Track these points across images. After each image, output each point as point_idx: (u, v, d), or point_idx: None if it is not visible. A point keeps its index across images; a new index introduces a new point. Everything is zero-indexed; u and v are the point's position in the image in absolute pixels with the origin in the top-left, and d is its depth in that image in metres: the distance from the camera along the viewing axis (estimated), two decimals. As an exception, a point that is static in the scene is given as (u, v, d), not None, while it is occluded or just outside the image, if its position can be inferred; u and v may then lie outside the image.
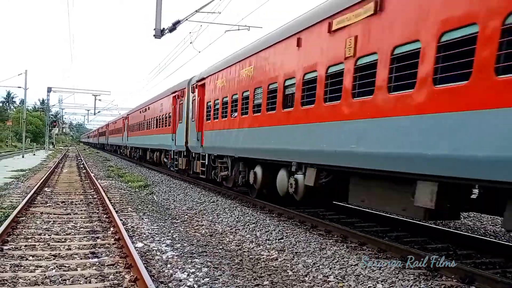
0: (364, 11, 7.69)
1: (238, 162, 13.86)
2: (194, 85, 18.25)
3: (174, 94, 22.01)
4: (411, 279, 6.37)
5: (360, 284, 6.24)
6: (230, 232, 9.74)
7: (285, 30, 10.84)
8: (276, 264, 7.29)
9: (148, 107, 30.42)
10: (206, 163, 16.65)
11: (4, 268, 6.33)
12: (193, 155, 18.72)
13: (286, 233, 9.43)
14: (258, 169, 12.60)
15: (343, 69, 8.23)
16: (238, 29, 19.95)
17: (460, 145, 5.89)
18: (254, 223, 10.47)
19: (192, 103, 18.64)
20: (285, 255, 7.79)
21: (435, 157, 6.30)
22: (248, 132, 12.68)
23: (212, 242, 8.68)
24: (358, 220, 11.28)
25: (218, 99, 15.34)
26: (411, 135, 6.69)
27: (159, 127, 26.07)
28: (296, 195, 10.50)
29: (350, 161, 8.19)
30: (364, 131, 7.68)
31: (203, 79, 17.20)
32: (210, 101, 16.22)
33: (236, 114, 13.57)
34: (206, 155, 16.64)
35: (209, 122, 16.18)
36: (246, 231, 9.73)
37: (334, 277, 6.55)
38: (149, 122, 29.67)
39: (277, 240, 8.85)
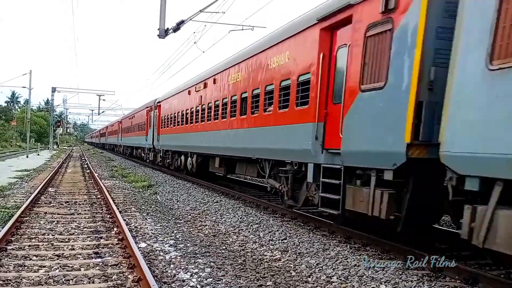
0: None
1: (174, 153, 23.65)
2: (154, 105, 28.37)
3: (147, 108, 31.21)
4: (415, 280, 6.37)
5: (363, 285, 6.23)
6: (233, 232, 9.75)
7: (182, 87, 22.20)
8: (279, 265, 7.29)
9: (133, 116, 39.29)
10: (162, 156, 26.42)
11: (7, 268, 6.35)
12: (156, 151, 28.04)
13: (290, 233, 9.42)
14: (181, 157, 21.99)
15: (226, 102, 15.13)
16: (242, 29, 19.97)
17: (284, 142, 10.48)
18: (257, 223, 10.47)
19: (155, 116, 27.99)
20: (288, 256, 7.79)
21: (270, 149, 11.32)
22: (177, 136, 21.87)
23: (215, 243, 8.68)
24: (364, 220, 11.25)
25: (166, 115, 25.03)
26: (258, 138, 12.07)
27: (139, 130, 34.76)
28: (193, 169, 19.78)
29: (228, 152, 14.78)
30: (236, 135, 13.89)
31: (159, 102, 27.16)
32: (163, 116, 25.80)
33: (173, 125, 22.91)
34: (162, 150, 26.20)
35: (162, 129, 25.64)
36: (249, 232, 9.73)
37: (337, 278, 6.54)
38: (134, 126, 38.32)
39: (280, 241, 8.85)
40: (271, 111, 11.32)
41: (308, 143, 9.17)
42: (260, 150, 12.00)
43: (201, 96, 17.93)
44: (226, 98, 14.78)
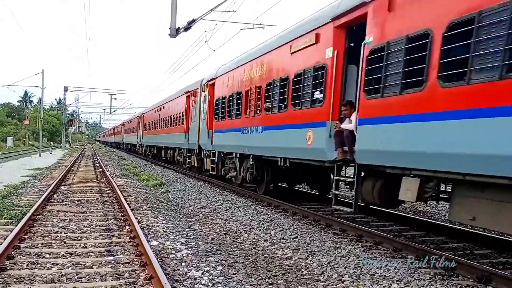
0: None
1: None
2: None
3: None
4: (427, 279, 6.32)
5: (375, 284, 6.20)
6: (244, 230, 9.76)
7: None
8: (290, 263, 7.28)
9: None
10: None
11: (21, 265, 6.41)
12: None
13: (301, 232, 9.41)
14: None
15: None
16: (253, 28, 19.96)
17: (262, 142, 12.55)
18: (268, 221, 10.47)
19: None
20: (300, 254, 7.78)
21: (258, 147, 13.08)
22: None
23: (226, 241, 8.69)
24: (375, 219, 11.23)
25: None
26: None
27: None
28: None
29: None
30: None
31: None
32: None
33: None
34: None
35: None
36: (260, 230, 9.73)
37: (349, 276, 6.52)
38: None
39: (291, 239, 8.84)
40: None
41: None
42: None
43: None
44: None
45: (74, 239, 8.21)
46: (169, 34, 17.80)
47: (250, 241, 8.79)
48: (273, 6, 19.18)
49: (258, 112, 13.04)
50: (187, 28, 17.86)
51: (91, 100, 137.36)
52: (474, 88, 5.88)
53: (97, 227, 9.32)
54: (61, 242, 7.93)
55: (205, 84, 19.17)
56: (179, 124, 25.05)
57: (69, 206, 11.95)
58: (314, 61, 9.92)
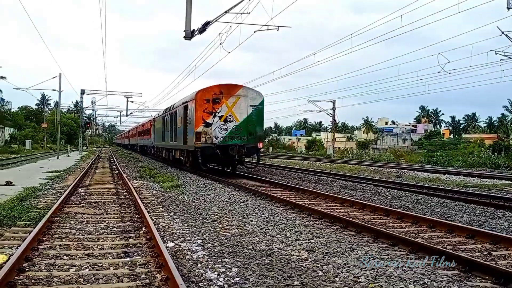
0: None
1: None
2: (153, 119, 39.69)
3: (151, 119, 44.43)
4: (444, 280, 6.26)
5: (392, 285, 6.16)
6: (260, 232, 9.75)
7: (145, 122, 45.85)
8: (306, 265, 7.26)
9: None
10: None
11: (39, 267, 6.48)
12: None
13: (317, 233, 9.38)
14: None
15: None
16: (268, 29, 19.96)
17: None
18: (284, 223, 10.45)
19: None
20: (315, 256, 7.76)
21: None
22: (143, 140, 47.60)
23: (242, 242, 8.70)
24: (390, 220, 11.17)
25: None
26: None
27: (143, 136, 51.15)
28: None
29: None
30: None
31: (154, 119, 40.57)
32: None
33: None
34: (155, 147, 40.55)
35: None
36: (276, 231, 9.72)
37: (365, 278, 6.48)
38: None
39: (307, 241, 8.82)
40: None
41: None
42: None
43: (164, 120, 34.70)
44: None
45: (91, 241, 8.28)
46: (184, 37, 17.90)
47: (266, 243, 8.79)
48: (288, 7, 19.18)
49: (147, 133, 42.50)
50: (202, 30, 17.95)
51: (108, 103, 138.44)
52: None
53: (114, 229, 9.39)
54: (78, 243, 8.01)
55: (154, 118, 40.96)
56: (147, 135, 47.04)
57: (87, 208, 12.06)
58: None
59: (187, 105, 23.84)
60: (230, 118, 22.44)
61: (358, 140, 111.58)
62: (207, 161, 22.80)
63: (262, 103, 23.12)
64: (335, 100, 68.29)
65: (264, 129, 30.16)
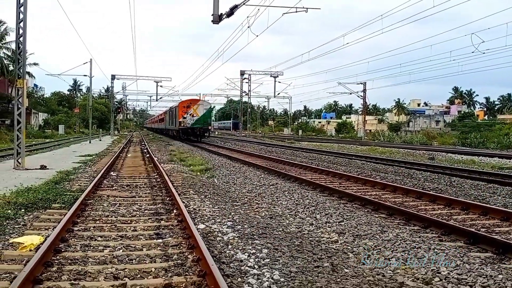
0: None
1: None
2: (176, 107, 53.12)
3: (170, 109, 59.11)
4: (477, 263, 6.20)
5: (423, 267, 6.12)
6: (289, 214, 9.80)
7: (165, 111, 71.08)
8: (336, 247, 7.28)
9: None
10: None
11: (75, 248, 6.67)
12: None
13: (347, 215, 9.37)
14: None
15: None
16: (296, 11, 19.80)
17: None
18: (314, 206, 10.47)
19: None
20: (346, 238, 7.76)
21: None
22: (160, 124, 72.97)
23: (272, 224, 8.76)
24: (422, 202, 11.06)
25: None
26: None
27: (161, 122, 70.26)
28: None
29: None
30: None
31: (165, 112, 66.08)
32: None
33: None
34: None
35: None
36: (305, 214, 9.75)
37: (395, 260, 6.46)
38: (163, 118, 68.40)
39: (337, 223, 8.82)
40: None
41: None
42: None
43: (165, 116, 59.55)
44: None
45: (124, 223, 8.46)
46: (212, 21, 17.91)
47: (296, 225, 8.83)
48: (317, -12, 18.99)
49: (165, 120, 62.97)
50: (230, 14, 17.91)
51: (138, 88, 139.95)
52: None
53: (146, 211, 9.57)
54: (111, 225, 8.19)
55: (165, 112, 65.53)
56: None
57: (119, 191, 12.30)
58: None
59: (175, 108, 50.51)
60: (194, 115, 47.08)
61: (390, 122, 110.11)
62: (184, 135, 48.00)
63: (210, 108, 50.54)
64: (365, 82, 67.57)
65: (211, 120, 60.65)
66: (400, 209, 9.65)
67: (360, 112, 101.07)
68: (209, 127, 50.24)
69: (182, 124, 47.19)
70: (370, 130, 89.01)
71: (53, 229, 7.50)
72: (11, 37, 56.91)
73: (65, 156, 24.77)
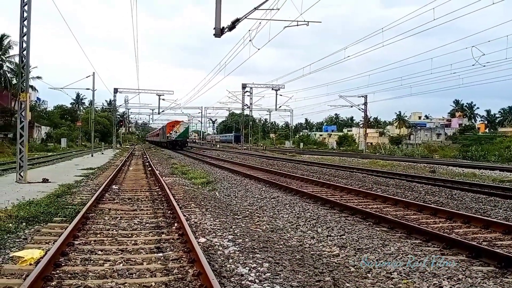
0: None
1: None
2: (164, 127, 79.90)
3: (162, 127, 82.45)
4: (479, 277, 6.14)
5: (425, 281, 6.07)
6: (291, 228, 9.75)
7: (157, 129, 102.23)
8: (338, 261, 7.22)
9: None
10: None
11: (75, 262, 6.63)
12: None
13: (348, 229, 9.32)
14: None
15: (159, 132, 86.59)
16: (297, 25, 19.90)
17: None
18: (315, 219, 10.42)
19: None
20: (347, 252, 7.71)
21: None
22: (155, 138, 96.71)
23: (273, 238, 8.71)
24: (425, 215, 11.01)
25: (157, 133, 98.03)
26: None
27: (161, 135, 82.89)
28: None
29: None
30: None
31: (159, 128, 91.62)
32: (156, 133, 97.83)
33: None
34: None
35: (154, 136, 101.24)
36: (307, 227, 9.70)
37: (397, 274, 6.41)
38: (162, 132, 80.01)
39: (338, 236, 8.77)
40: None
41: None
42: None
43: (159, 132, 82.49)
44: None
45: (125, 236, 8.42)
46: (214, 34, 17.98)
47: (297, 239, 8.78)
48: (317, 2, 19.05)
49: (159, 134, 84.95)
50: (232, 27, 18.00)
51: (140, 101, 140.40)
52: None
53: (147, 225, 9.53)
54: (112, 239, 8.15)
55: (159, 128, 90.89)
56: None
57: (120, 204, 12.26)
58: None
59: (164, 127, 74.30)
60: (177, 131, 69.71)
61: (391, 135, 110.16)
62: (171, 145, 68.44)
63: (187, 126, 78.43)
64: (366, 95, 67.74)
65: (188, 135, 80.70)
66: (401, 223, 9.60)
67: (361, 125, 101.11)
68: (187, 139, 77.90)
69: (169, 138, 70.66)
70: (371, 143, 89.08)
71: (53, 243, 7.46)
72: (14, 51, 57.31)
73: (67, 170, 24.77)
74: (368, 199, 13.93)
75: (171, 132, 70.01)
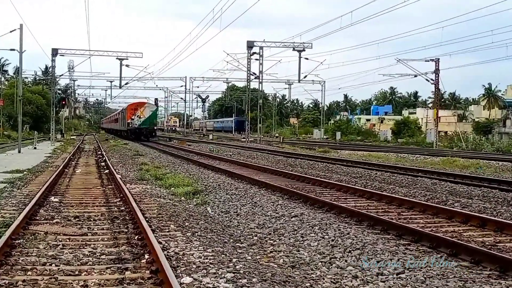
0: None
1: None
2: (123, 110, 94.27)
3: (121, 110, 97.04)
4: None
5: None
6: (322, 262, 9.75)
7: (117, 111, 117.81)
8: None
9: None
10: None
11: (-7, 313, 6.66)
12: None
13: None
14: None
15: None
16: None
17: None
18: (358, 248, 10.42)
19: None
20: (408, 298, 7.71)
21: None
22: (113, 125, 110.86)
23: (294, 277, 8.72)
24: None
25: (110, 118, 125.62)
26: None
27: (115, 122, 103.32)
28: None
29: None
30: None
31: (118, 112, 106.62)
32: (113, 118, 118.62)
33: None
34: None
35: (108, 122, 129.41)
36: (346, 261, 9.70)
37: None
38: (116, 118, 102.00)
39: (395, 275, 8.77)
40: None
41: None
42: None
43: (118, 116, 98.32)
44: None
45: (70, 275, 8.41)
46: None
47: (331, 278, 8.79)
48: None
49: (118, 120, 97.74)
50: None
51: (92, 69, 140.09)
52: None
53: (103, 257, 9.54)
54: (50, 279, 8.13)
55: (118, 112, 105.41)
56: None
57: (62, 226, 12.29)
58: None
59: (124, 110, 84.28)
60: (141, 116, 78.66)
61: (476, 119, 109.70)
62: (133, 135, 77.38)
63: (155, 109, 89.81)
64: (438, 59, 67.53)
65: (156, 121, 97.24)
66: (492, 255, 9.57)
67: (430, 105, 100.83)
68: (155, 127, 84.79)
69: (130, 125, 78.60)
70: (445, 132, 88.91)
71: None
72: None
73: (-18, 173, 24.81)
74: (440, 218, 13.90)
75: (133, 118, 78.38)
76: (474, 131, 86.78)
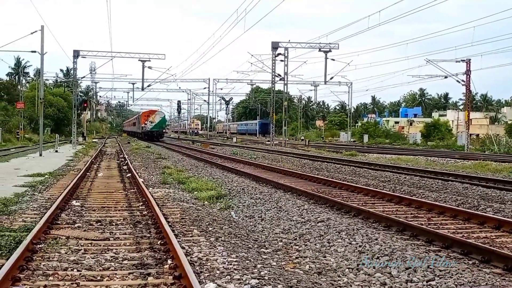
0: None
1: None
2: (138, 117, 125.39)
3: (137, 116, 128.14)
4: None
5: None
6: (349, 268, 9.72)
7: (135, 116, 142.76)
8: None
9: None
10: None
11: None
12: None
13: (440, 270, 9.24)
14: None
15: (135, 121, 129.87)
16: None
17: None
18: (387, 254, 10.36)
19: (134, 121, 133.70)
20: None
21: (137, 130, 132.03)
22: (132, 128, 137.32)
23: (321, 284, 8.69)
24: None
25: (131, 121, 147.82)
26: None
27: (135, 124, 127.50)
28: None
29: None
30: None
31: (135, 117, 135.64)
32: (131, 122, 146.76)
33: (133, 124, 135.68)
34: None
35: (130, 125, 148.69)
36: (375, 268, 9.65)
37: None
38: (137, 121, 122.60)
39: (424, 282, 8.71)
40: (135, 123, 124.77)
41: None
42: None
43: (135, 121, 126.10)
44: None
45: (92, 280, 8.45)
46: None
47: (359, 285, 8.75)
48: None
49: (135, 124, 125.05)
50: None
51: (114, 71, 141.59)
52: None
53: (125, 262, 9.56)
54: (72, 284, 8.18)
55: (135, 117, 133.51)
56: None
57: (84, 230, 12.35)
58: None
59: (139, 116, 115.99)
60: (153, 121, 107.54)
61: (509, 122, 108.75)
62: (146, 136, 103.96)
63: (164, 116, 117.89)
64: (469, 59, 66.99)
65: (165, 125, 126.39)
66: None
67: (461, 107, 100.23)
68: (163, 131, 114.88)
69: (144, 128, 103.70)
70: (477, 135, 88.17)
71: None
72: None
73: (3, 177, 25.00)
74: (472, 223, 13.80)
75: (146, 122, 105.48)
76: (507, 134, 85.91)
